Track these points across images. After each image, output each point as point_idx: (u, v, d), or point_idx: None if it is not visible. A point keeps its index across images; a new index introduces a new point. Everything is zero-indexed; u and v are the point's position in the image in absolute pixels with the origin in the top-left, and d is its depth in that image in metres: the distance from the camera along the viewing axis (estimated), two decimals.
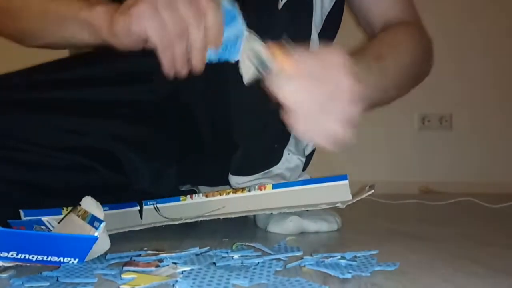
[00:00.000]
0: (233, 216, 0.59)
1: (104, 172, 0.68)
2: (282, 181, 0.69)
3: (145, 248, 0.49)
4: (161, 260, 0.43)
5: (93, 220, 0.46)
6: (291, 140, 0.70)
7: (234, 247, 0.51)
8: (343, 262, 0.42)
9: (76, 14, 0.56)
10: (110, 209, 0.65)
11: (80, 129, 0.68)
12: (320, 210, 0.66)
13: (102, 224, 0.44)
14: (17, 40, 0.65)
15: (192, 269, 0.38)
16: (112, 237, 0.47)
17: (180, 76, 0.54)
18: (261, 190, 0.65)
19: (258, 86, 0.71)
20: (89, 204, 0.48)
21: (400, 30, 0.73)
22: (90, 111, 0.69)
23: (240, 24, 0.52)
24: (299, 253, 0.47)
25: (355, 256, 0.45)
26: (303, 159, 0.73)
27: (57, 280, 0.38)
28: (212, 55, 0.53)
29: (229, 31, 0.52)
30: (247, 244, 0.51)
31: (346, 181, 0.64)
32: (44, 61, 0.73)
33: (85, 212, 0.48)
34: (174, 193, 0.72)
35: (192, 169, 0.79)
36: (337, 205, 0.60)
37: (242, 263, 0.43)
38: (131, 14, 0.49)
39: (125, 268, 0.40)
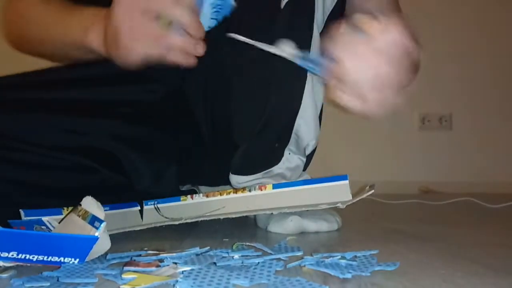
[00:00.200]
0: (233, 216, 0.59)
1: (104, 172, 0.69)
2: (283, 181, 0.69)
3: (146, 248, 0.49)
4: (161, 260, 0.43)
5: (93, 220, 0.46)
6: (292, 140, 0.70)
7: (234, 247, 0.51)
8: (343, 262, 0.42)
9: (76, 41, 0.59)
10: (111, 209, 0.65)
11: (80, 129, 0.68)
12: (320, 210, 0.66)
13: (103, 224, 0.45)
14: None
15: (192, 269, 0.38)
16: (112, 237, 0.48)
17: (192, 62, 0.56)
18: (261, 190, 0.65)
19: (260, 86, 0.71)
20: (89, 204, 0.48)
21: None
22: (90, 111, 0.69)
23: None
24: (300, 253, 0.47)
25: (355, 256, 0.45)
26: (304, 159, 0.74)
27: (58, 280, 0.38)
28: (206, 20, 0.53)
29: None
30: (247, 244, 0.51)
31: (346, 181, 0.64)
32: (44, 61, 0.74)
33: (86, 212, 0.48)
34: (174, 193, 0.72)
35: (193, 169, 0.79)
36: (337, 205, 0.60)
37: (242, 263, 0.43)
38: (120, 47, 0.52)
39: (126, 268, 0.40)
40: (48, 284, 0.37)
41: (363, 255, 0.45)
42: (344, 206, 0.60)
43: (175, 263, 0.42)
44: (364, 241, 0.63)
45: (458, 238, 0.65)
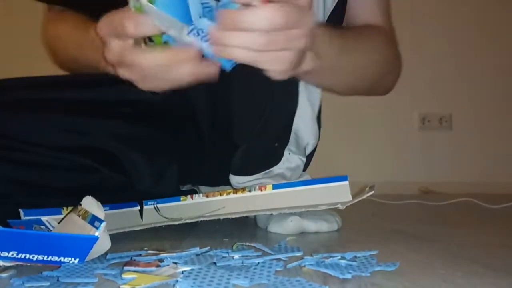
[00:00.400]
0: (233, 216, 0.59)
1: (104, 172, 0.69)
2: (283, 181, 0.69)
3: (146, 248, 0.49)
4: (161, 260, 0.43)
5: (93, 220, 0.46)
6: (292, 140, 0.71)
7: (234, 247, 0.51)
8: (343, 262, 0.42)
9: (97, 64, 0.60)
10: (111, 209, 0.65)
11: (81, 129, 0.68)
12: (320, 210, 0.66)
13: (103, 224, 0.45)
14: None
15: (192, 269, 0.38)
16: (112, 237, 0.47)
17: None
18: (261, 190, 0.65)
19: (259, 86, 0.71)
20: (89, 204, 0.48)
21: (376, 30, 0.75)
22: (90, 111, 0.69)
23: None
24: (300, 253, 0.47)
25: (355, 256, 0.45)
26: (304, 159, 0.74)
27: (58, 280, 0.38)
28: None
29: None
30: (247, 244, 0.51)
31: (346, 182, 0.64)
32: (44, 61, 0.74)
33: (86, 212, 0.48)
34: (174, 193, 0.72)
35: (193, 169, 0.79)
36: (337, 206, 0.60)
37: (242, 263, 0.43)
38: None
39: (126, 268, 0.40)
40: (48, 283, 0.37)
41: (363, 256, 0.45)
42: (344, 207, 0.60)
43: (175, 263, 0.42)
44: (364, 241, 0.63)
45: (458, 238, 0.65)
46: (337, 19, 0.74)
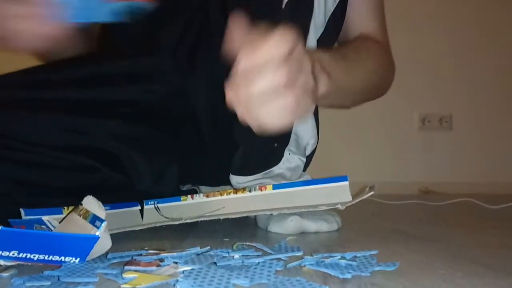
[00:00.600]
0: (233, 216, 0.59)
1: (105, 172, 0.69)
2: (283, 181, 0.69)
3: (146, 248, 0.49)
4: (162, 260, 0.43)
5: (94, 220, 0.46)
6: (292, 140, 0.71)
7: (234, 247, 0.51)
8: (343, 262, 0.43)
9: None
10: (111, 208, 0.65)
11: (81, 129, 0.68)
12: (320, 210, 0.66)
13: (104, 224, 0.45)
14: None
15: (193, 269, 0.38)
16: (113, 237, 0.48)
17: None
18: (261, 190, 0.65)
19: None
20: (90, 203, 0.48)
21: (369, 42, 0.76)
22: (91, 110, 0.69)
23: None
24: (300, 253, 0.47)
25: (355, 256, 0.45)
26: (304, 159, 0.74)
27: (58, 279, 0.38)
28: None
29: None
30: (247, 244, 0.51)
31: (346, 182, 0.64)
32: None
33: (87, 211, 0.48)
34: (175, 193, 0.72)
35: (193, 169, 0.79)
36: (337, 206, 0.60)
37: (242, 262, 0.43)
38: None
39: (126, 267, 0.40)
40: (49, 283, 0.37)
41: (363, 255, 0.45)
42: (344, 207, 0.60)
43: (176, 263, 0.42)
44: (364, 241, 0.63)
45: (458, 238, 0.65)
46: (337, 21, 0.74)
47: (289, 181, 0.71)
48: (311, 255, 0.45)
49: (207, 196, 0.68)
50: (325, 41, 0.74)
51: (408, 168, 2.06)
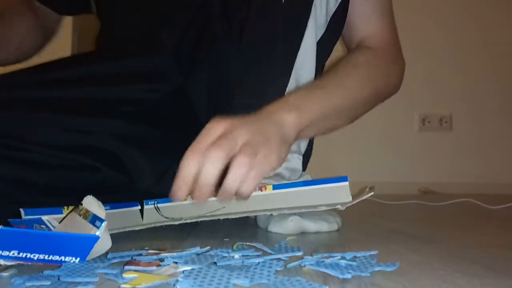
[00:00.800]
0: (233, 216, 0.59)
1: (105, 172, 0.69)
2: (283, 181, 0.69)
3: (146, 248, 0.49)
4: (162, 260, 0.43)
5: (94, 220, 0.46)
6: None
7: (235, 246, 0.51)
8: (343, 262, 0.43)
9: None
10: (111, 208, 0.65)
11: (82, 128, 0.68)
12: (320, 210, 0.66)
13: (104, 224, 0.45)
14: None
15: (193, 269, 0.38)
16: (113, 237, 0.48)
17: None
18: (261, 190, 0.65)
19: (261, 88, 0.72)
20: (90, 203, 0.48)
21: (358, 53, 0.76)
22: (92, 110, 0.69)
23: None
24: (300, 253, 0.47)
25: (355, 256, 0.45)
26: (301, 157, 0.74)
27: (58, 279, 0.38)
28: None
29: None
30: (247, 244, 0.51)
31: (346, 183, 0.64)
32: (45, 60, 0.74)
33: (87, 211, 0.48)
34: None
35: None
36: (337, 206, 0.60)
37: (242, 262, 0.43)
38: None
39: (126, 267, 0.40)
40: (49, 283, 0.37)
41: (363, 256, 0.45)
42: (344, 208, 0.60)
43: (176, 263, 0.42)
44: (364, 241, 0.63)
45: (458, 239, 0.65)
46: (339, 21, 0.74)
47: (288, 181, 0.71)
48: (311, 255, 0.45)
49: None
50: (326, 42, 0.74)
51: (408, 168, 2.06)
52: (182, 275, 0.37)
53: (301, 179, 0.72)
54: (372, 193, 0.57)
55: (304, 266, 0.42)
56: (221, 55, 0.73)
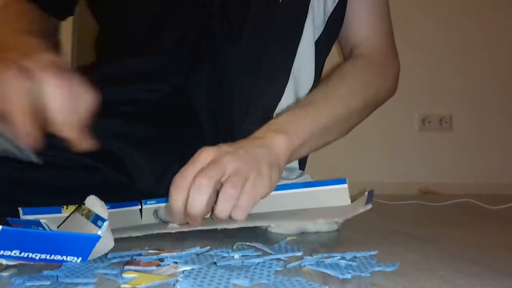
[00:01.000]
0: (232, 227, 0.58)
1: (106, 172, 0.69)
2: (282, 181, 0.69)
3: (146, 248, 0.49)
4: (162, 260, 0.43)
5: (96, 219, 0.46)
6: None
7: (234, 247, 0.51)
8: (343, 262, 0.43)
9: None
10: (111, 208, 0.65)
11: None
12: (320, 210, 0.67)
13: (105, 223, 0.45)
14: None
15: (193, 269, 0.38)
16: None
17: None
18: None
19: (260, 88, 0.72)
20: (93, 202, 0.48)
21: (349, 63, 0.76)
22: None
23: None
24: (300, 253, 0.47)
25: (355, 257, 0.45)
26: None
27: (57, 279, 0.38)
28: None
29: None
30: (247, 244, 0.51)
31: (345, 185, 0.64)
32: None
33: (89, 211, 0.48)
34: None
35: None
36: (335, 219, 0.60)
37: (242, 262, 0.43)
38: None
39: (126, 267, 0.40)
40: (49, 283, 0.37)
41: (363, 256, 0.45)
42: (342, 221, 0.61)
43: (176, 263, 0.42)
44: (364, 241, 0.63)
45: (458, 239, 0.65)
46: (336, 22, 0.75)
47: (286, 180, 0.71)
48: (311, 255, 0.45)
49: None
50: (324, 42, 0.74)
51: (408, 169, 2.06)
52: (182, 275, 0.37)
53: (300, 179, 0.72)
54: (370, 206, 0.56)
55: (304, 266, 0.42)
56: (220, 55, 0.73)
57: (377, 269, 0.41)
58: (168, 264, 0.41)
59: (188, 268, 0.39)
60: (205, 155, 0.55)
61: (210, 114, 0.76)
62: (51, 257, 0.41)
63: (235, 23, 0.72)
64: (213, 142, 0.77)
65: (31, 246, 0.40)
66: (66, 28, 1.54)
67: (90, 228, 0.46)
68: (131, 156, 0.70)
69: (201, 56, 0.75)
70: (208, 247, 0.48)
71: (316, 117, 0.65)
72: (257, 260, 0.43)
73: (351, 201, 0.64)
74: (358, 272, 0.40)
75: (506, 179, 2.00)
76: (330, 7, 0.72)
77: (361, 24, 0.78)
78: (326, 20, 0.73)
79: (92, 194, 0.50)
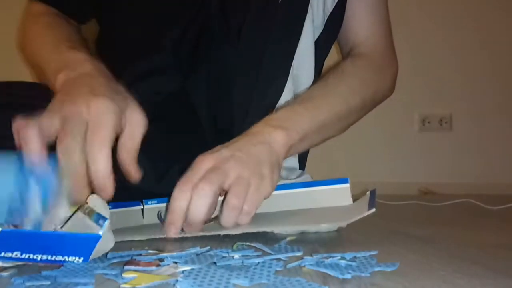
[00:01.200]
0: (234, 232, 0.58)
1: None
2: (281, 181, 0.69)
3: (146, 248, 0.49)
4: (162, 260, 0.43)
5: (98, 218, 0.46)
6: None
7: (234, 247, 0.51)
8: (343, 262, 0.43)
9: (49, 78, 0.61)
10: (113, 207, 0.65)
11: None
12: (320, 210, 0.67)
13: (106, 222, 0.45)
14: None
15: (192, 269, 0.38)
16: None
17: None
18: None
19: (259, 88, 0.72)
20: (96, 202, 0.48)
21: (347, 61, 0.76)
22: None
23: None
24: (299, 253, 0.47)
25: (355, 257, 0.45)
26: (297, 156, 0.74)
27: (57, 279, 0.38)
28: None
29: None
30: (247, 244, 0.51)
31: (347, 185, 0.64)
32: None
33: (91, 210, 0.48)
34: None
35: None
36: (339, 224, 0.60)
37: (242, 263, 0.43)
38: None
39: (126, 267, 0.40)
40: (49, 283, 0.37)
41: (363, 256, 0.45)
42: (345, 225, 0.61)
43: (176, 263, 0.42)
44: (364, 241, 0.63)
45: (458, 239, 0.65)
46: (336, 22, 0.75)
47: (286, 180, 0.71)
48: (311, 255, 0.45)
49: None
50: (324, 42, 0.74)
51: (408, 169, 2.06)
52: (182, 275, 0.37)
53: (300, 179, 0.72)
54: (374, 210, 0.57)
55: (304, 266, 0.42)
56: (220, 56, 0.73)
57: (377, 269, 0.41)
58: (168, 264, 0.41)
59: (188, 268, 0.39)
60: (205, 162, 0.55)
61: (210, 114, 0.76)
62: (53, 258, 0.41)
63: (234, 23, 0.72)
64: (213, 142, 0.78)
65: (32, 247, 0.40)
66: None
67: (92, 228, 0.46)
68: None
69: (200, 56, 0.75)
70: (208, 247, 0.48)
71: (315, 114, 0.65)
72: (257, 260, 0.43)
73: (353, 201, 0.64)
74: (358, 272, 0.40)
75: (506, 179, 2.00)
76: (330, 7, 0.72)
77: (361, 24, 0.78)
78: (325, 20, 0.73)
79: (92, 194, 0.50)
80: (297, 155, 0.75)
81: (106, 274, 0.40)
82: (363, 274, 0.40)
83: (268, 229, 0.57)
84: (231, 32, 0.73)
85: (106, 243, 0.45)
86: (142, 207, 0.70)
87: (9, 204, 0.44)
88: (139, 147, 0.54)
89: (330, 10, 0.73)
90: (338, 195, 0.64)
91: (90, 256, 0.43)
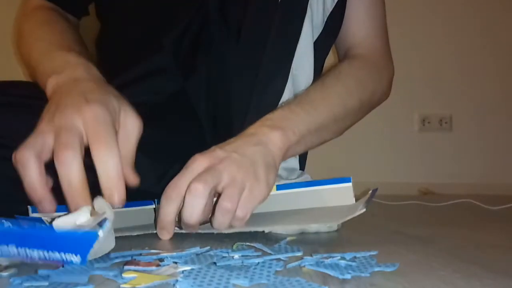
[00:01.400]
0: (233, 231, 0.58)
1: None
2: (281, 181, 0.69)
3: (146, 248, 0.49)
4: (162, 260, 0.43)
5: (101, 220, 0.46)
6: None
7: (234, 247, 0.51)
8: (342, 262, 0.43)
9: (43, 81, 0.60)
10: (126, 206, 0.64)
11: None
12: (320, 210, 0.67)
13: (107, 223, 0.45)
14: None
15: (192, 269, 0.38)
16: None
17: None
18: None
19: (259, 88, 0.72)
20: (100, 203, 0.48)
21: (345, 63, 0.76)
22: None
23: None
24: (299, 253, 0.47)
25: (355, 257, 0.45)
26: (297, 156, 0.74)
27: (56, 279, 0.38)
28: None
29: None
30: (247, 244, 0.51)
31: (350, 184, 0.64)
32: None
33: (96, 212, 0.48)
34: None
35: None
36: (337, 224, 0.60)
37: (242, 263, 0.43)
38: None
39: (126, 267, 0.40)
40: (47, 283, 0.37)
41: (363, 256, 0.45)
42: (336, 226, 0.62)
43: (175, 263, 0.42)
44: (364, 241, 0.63)
45: (458, 239, 0.65)
46: (336, 22, 0.75)
47: (286, 181, 0.71)
48: (311, 255, 0.45)
49: None
50: (323, 42, 0.74)
51: (408, 169, 2.06)
52: (181, 275, 0.37)
53: (300, 179, 0.72)
54: (364, 210, 0.56)
55: (304, 266, 0.42)
56: (219, 56, 0.73)
57: (377, 269, 0.41)
58: (168, 264, 0.41)
59: (188, 268, 0.39)
60: (199, 162, 0.54)
61: (210, 114, 0.76)
62: (50, 256, 0.41)
63: (233, 24, 0.72)
64: (213, 142, 0.78)
65: (28, 245, 0.40)
66: None
67: (94, 228, 0.46)
68: None
69: (200, 56, 0.76)
70: (208, 247, 0.48)
71: (313, 115, 0.65)
72: (257, 260, 0.43)
73: (355, 201, 0.64)
74: (358, 272, 0.40)
75: (506, 179, 2.00)
76: (329, 7, 0.72)
77: (358, 25, 0.78)
78: (325, 20, 0.73)
79: (92, 193, 0.50)
80: (297, 156, 0.75)
81: (106, 274, 0.40)
82: (363, 274, 0.40)
83: (259, 229, 0.57)
84: (230, 32, 0.73)
85: (106, 244, 0.44)
86: (154, 206, 0.69)
87: None
88: (135, 151, 0.54)
89: (330, 10, 0.73)
90: (341, 194, 0.64)
91: (89, 256, 0.43)
